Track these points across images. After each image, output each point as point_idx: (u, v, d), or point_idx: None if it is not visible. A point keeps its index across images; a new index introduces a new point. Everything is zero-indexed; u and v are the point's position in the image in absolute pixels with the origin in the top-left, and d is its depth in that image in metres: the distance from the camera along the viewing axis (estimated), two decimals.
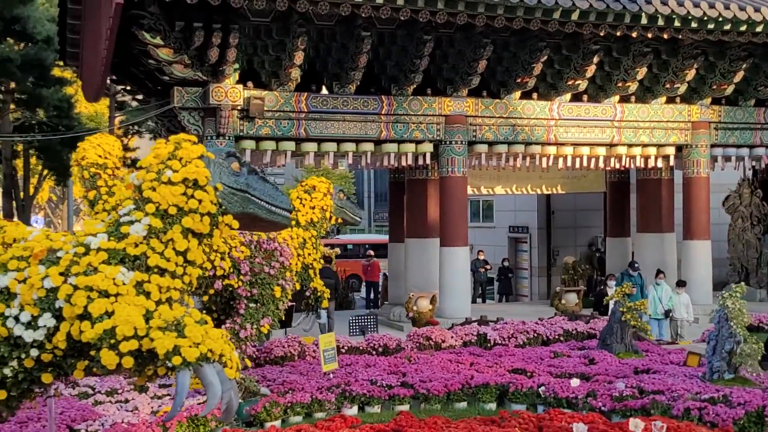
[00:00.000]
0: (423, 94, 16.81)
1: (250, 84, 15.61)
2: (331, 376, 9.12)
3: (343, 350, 11.51)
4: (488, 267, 24.58)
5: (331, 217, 9.54)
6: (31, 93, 22.63)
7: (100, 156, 7.64)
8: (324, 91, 16.54)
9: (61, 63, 20.16)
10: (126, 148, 31.06)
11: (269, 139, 15.93)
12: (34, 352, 4.40)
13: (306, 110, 15.91)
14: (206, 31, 14.35)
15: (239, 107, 15.38)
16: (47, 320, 4.28)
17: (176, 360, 4.03)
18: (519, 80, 16.95)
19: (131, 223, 4.69)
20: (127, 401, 8.09)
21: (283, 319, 13.46)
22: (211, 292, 8.12)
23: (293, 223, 9.13)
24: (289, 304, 13.49)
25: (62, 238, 4.61)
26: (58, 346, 4.23)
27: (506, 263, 25.13)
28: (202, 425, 7.50)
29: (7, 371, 4.49)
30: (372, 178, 75.14)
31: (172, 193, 4.73)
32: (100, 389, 8.80)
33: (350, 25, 15.32)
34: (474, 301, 23.75)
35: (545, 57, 16.43)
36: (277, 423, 7.81)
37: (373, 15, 14.45)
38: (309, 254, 9.14)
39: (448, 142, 17.05)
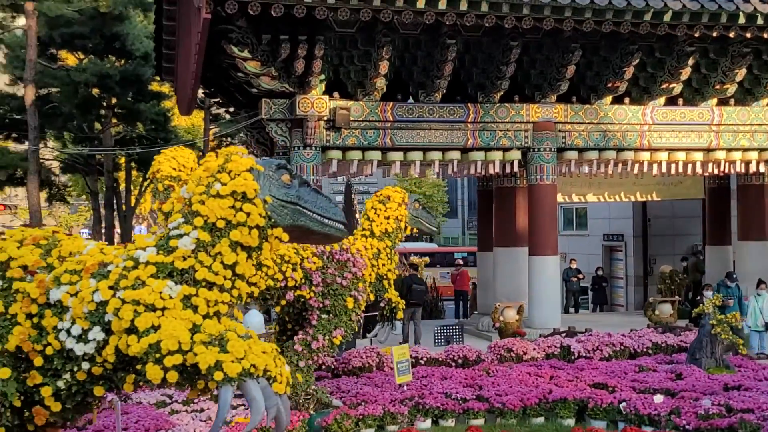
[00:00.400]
0: (510, 101, 16.57)
1: (336, 94, 15.73)
2: (405, 388, 9.02)
3: (422, 362, 11.39)
4: (581, 276, 23.99)
5: (406, 227, 9.46)
6: (129, 108, 23.45)
7: (174, 169, 7.77)
8: (410, 99, 16.50)
9: (158, 78, 20.80)
10: None
11: (355, 148, 16.00)
12: (85, 365, 4.47)
13: (392, 119, 15.91)
14: (292, 43, 14.54)
15: (325, 118, 15.51)
16: (97, 334, 4.33)
17: (218, 375, 4.01)
18: (610, 85, 16.50)
19: (180, 236, 4.70)
20: (202, 410, 8.21)
21: (359, 330, 13.55)
22: (283, 302, 8.15)
23: (368, 233, 9.11)
24: (372, 314, 13.53)
25: (114, 252, 4.68)
26: (107, 359, 4.28)
27: (600, 272, 24.47)
28: None
29: (60, 383, 4.57)
30: (466, 186, 74.60)
31: (221, 206, 4.71)
32: (177, 398, 8.99)
33: (435, 33, 15.24)
34: (566, 311, 23.26)
35: (637, 60, 15.95)
36: None
37: (457, 22, 14.34)
38: (383, 265, 9.07)
39: (536, 150, 16.74)
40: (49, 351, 4.52)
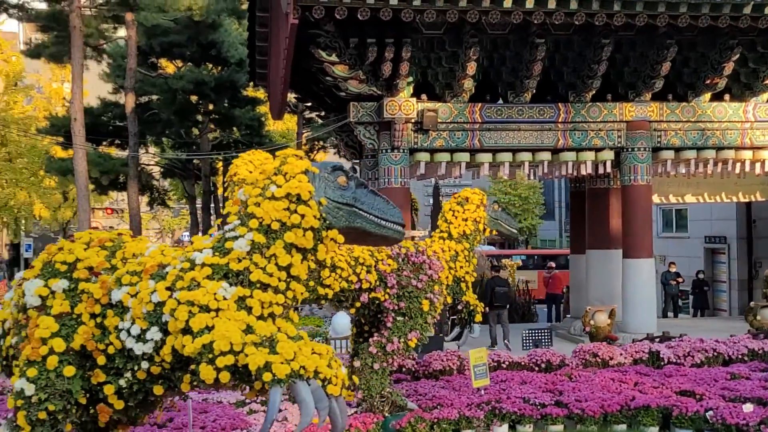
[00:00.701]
0: (602, 100, 16.18)
1: (424, 96, 15.70)
2: (483, 392, 8.89)
3: (504, 365, 11.18)
4: (680, 280, 23.20)
5: (485, 229, 9.33)
6: (225, 113, 24.06)
7: (250, 172, 7.87)
8: (498, 100, 16.32)
9: (252, 84, 21.26)
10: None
11: (443, 150, 15.92)
12: (144, 365, 4.57)
13: (480, 121, 15.76)
14: (379, 46, 14.59)
15: (413, 120, 15.50)
16: (154, 334, 4.42)
17: (267, 376, 4.01)
18: (708, 81, 15.89)
19: (235, 238, 4.72)
20: (285, 410, 8.30)
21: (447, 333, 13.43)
22: (358, 305, 8.15)
23: (445, 235, 9.03)
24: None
25: (173, 254, 4.77)
26: (165, 359, 4.36)
27: (701, 275, 23.60)
28: None
29: (122, 382, 4.69)
30: (563, 187, 73.21)
31: (275, 208, 4.73)
32: (256, 398, 9.10)
33: (524, 32, 15.03)
34: (665, 316, 22.54)
35: (737, 55, 15.31)
36: None
37: (546, 21, 14.09)
38: (461, 267, 8.97)
39: (630, 149, 16.28)
40: (111, 350, 4.66)
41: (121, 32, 22.21)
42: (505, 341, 16.29)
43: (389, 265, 8.09)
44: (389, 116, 15.27)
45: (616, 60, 15.92)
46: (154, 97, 23.40)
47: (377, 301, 8.14)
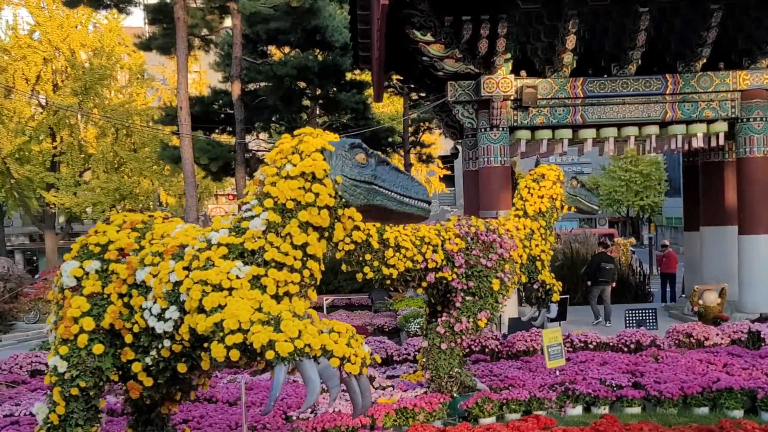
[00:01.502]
0: (714, 69, 15.38)
1: (523, 73, 15.37)
2: (558, 373, 8.63)
3: (591, 346, 10.79)
4: None
5: (562, 206, 9.02)
6: (330, 98, 24.30)
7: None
8: (602, 74, 15.79)
9: (355, 67, 21.40)
10: (421, 144, 32.27)
11: (544, 127, 15.57)
12: (166, 343, 4.67)
13: (582, 95, 15.30)
14: (475, 23, 14.38)
15: (512, 97, 15.22)
16: (173, 313, 4.49)
17: (269, 354, 4.00)
18: None
19: (251, 218, 4.75)
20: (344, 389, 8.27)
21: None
22: (425, 284, 8.06)
23: (521, 213, 8.79)
24: (563, 296, 13.10)
25: (194, 235, 4.83)
26: (183, 338, 4.43)
27: None
28: (411, 417, 7.50)
29: (148, 360, 4.84)
30: None
31: (290, 187, 4.70)
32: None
33: (626, 1, 14.44)
34: None
35: None
36: (491, 419, 7.54)
37: None
38: (536, 245, 8.71)
39: (745, 120, 15.43)
40: (136, 329, 4.80)
41: (228, 22, 22.78)
42: (607, 322, 15.89)
43: (457, 244, 7.96)
44: (487, 94, 15.05)
45: (728, 26, 15.08)
46: (263, 84, 23.89)
47: (445, 281, 8.03)
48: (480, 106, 15.44)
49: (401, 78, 20.23)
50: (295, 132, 4.96)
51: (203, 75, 46.35)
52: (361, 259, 7.71)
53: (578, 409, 7.96)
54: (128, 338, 4.83)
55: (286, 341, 3.97)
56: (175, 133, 20.51)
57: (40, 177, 33.53)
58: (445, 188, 48.89)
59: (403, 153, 29.15)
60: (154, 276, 4.67)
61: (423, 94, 20.69)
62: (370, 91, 28.30)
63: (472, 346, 10.36)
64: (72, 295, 4.98)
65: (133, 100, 35.80)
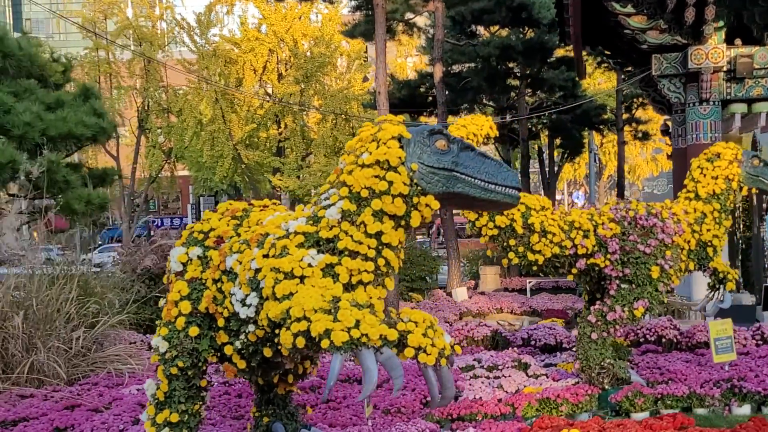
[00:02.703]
0: None
1: (738, 41, 14.20)
2: (728, 368, 7.80)
3: None
4: None
5: (741, 188, 8.11)
6: (536, 76, 23.73)
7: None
8: None
9: (561, 44, 20.77)
10: (637, 121, 30.71)
11: (763, 100, 14.28)
12: (251, 327, 4.73)
13: None
14: None
15: (724, 68, 14.10)
16: (253, 299, 4.52)
17: (324, 343, 3.94)
18: None
19: (328, 207, 4.70)
20: (506, 377, 8.06)
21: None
22: (574, 271, 7.58)
23: (692, 195, 8.03)
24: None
25: (280, 223, 4.83)
26: (263, 323, 4.47)
27: None
28: (555, 408, 7.12)
29: (238, 344, 4.94)
30: None
31: (365, 175, 4.60)
32: (484, 364, 8.97)
33: None
34: None
35: None
36: (644, 415, 6.93)
37: None
38: (708, 230, 7.90)
39: None
40: (226, 313, 4.93)
41: (432, 6, 22.86)
42: None
43: (611, 229, 7.44)
44: (695, 66, 14.03)
45: None
46: (466, 65, 23.79)
47: (597, 268, 7.55)
48: (688, 79, 14.45)
49: (608, 53, 19.36)
50: (377, 119, 4.89)
51: (423, 59, 47.04)
52: (505, 244, 7.48)
53: (746, 409, 7.22)
54: (220, 322, 5.01)
55: (343, 330, 3.94)
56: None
57: (267, 162, 35.76)
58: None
59: (616, 131, 27.92)
60: (240, 263, 4.81)
61: (630, 69, 19.69)
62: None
63: (648, 336, 9.74)
64: (176, 279, 5.25)
65: (351, 86, 37.12)
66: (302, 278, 4.39)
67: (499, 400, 7.32)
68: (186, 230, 5.45)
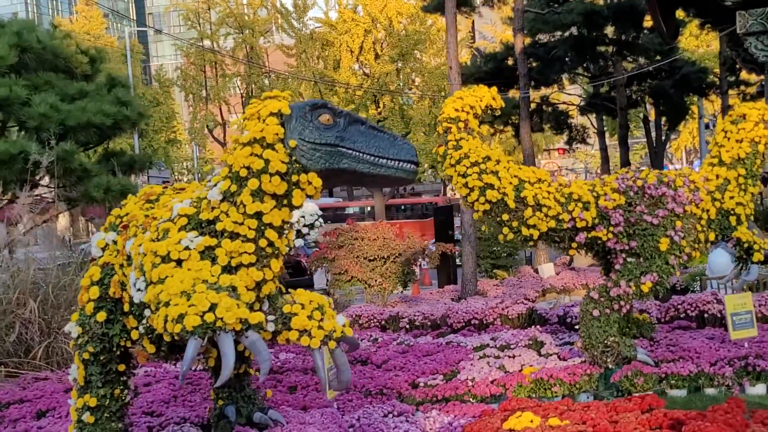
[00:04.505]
0: None
1: None
2: (747, 345, 7.12)
3: None
4: None
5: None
6: (628, 42, 22.79)
7: (456, 110, 7.20)
8: None
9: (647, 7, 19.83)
10: (746, 83, 28.97)
11: None
12: (147, 312, 4.61)
13: None
14: None
15: None
16: (141, 283, 4.44)
17: (176, 328, 3.85)
18: None
19: (212, 188, 4.57)
20: (513, 357, 7.69)
21: None
22: (575, 245, 7.09)
23: (715, 161, 7.38)
24: None
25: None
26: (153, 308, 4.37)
27: None
28: (548, 389, 6.73)
29: (141, 328, 4.83)
30: None
31: (243, 154, 4.43)
32: (496, 344, 8.61)
33: None
34: None
35: None
36: None
37: None
38: (731, 198, 7.23)
39: None
40: (127, 298, 4.87)
41: None
42: None
43: (614, 200, 6.95)
44: None
45: None
46: (550, 34, 23.12)
47: (600, 241, 7.08)
48: None
49: (695, 12, 18.35)
50: (263, 95, 4.72)
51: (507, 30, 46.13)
52: (499, 219, 7.13)
53: (759, 388, 6.61)
54: (126, 307, 4.98)
55: (195, 315, 3.85)
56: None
57: None
58: None
59: (720, 95, 26.45)
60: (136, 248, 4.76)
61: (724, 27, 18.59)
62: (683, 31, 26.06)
63: (689, 311, 9.10)
64: (92, 265, 5.26)
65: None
66: (179, 261, 4.31)
67: (492, 381, 7.08)
68: (111, 215, 5.49)
